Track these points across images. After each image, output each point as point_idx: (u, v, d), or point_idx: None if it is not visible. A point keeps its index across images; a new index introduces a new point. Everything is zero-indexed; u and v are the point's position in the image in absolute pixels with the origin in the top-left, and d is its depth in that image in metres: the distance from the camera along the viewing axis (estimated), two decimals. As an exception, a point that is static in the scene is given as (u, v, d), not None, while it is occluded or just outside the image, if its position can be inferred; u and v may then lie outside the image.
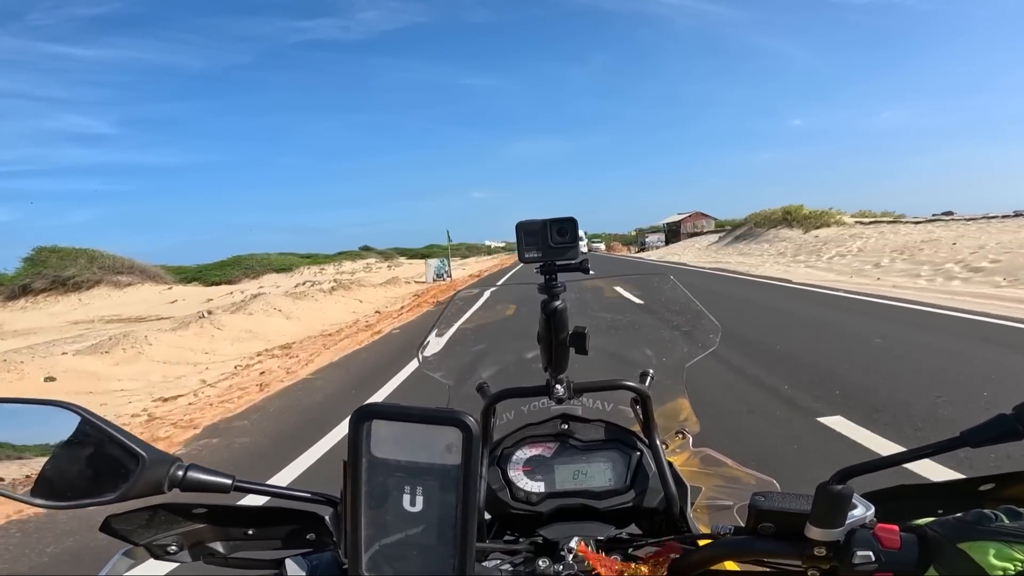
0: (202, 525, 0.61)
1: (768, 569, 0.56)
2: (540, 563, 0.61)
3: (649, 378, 0.91)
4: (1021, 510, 0.45)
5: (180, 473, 0.54)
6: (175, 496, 0.56)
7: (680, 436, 0.94)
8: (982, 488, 0.58)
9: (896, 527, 0.48)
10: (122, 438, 0.53)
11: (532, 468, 0.80)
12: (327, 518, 0.59)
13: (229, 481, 0.56)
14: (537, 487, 0.78)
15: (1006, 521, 0.44)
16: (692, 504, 0.80)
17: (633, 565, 0.58)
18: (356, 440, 0.39)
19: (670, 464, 0.81)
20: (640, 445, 0.81)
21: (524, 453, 0.81)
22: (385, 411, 0.39)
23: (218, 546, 0.62)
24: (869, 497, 0.54)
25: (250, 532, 0.63)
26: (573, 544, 0.62)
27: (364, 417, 0.39)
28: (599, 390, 0.85)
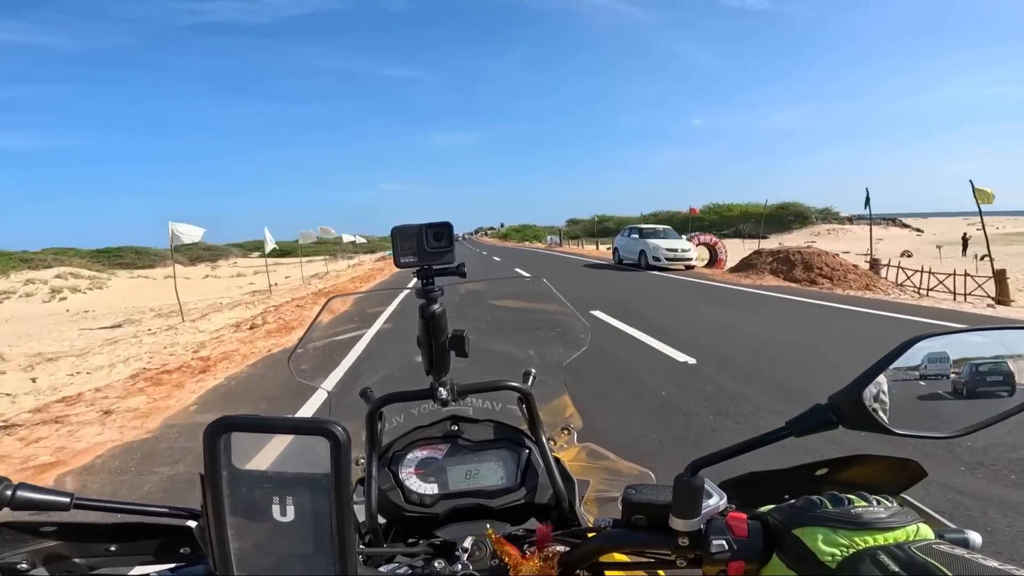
0: (54, 542, 0.60)
1: (647, 559, 0.58)
2: (436, 564, 0.62)
3: (531, 377, 0.95)
4: (842, 495, 0.48)
5: (8, 493, 0.53)
6: (9, 515, 0.55)
7: (566, 432, 0.98)
8: (818, 473, 0.63)
9: (744, 515, 0.51)
10: None
11: (424, 470, 0.81)
12: (194, 531, 0.59)
13: (67, 499, 0.55)
14: (430, 489, 0.80)
15: (829, 507, 0.47)
16: (582, 498, 0.84)
17: (524, 561, 0.61)
18: (212, 454, 0.38)
19: (557, 460, 0.84)
20: (528, 443, 0.84)
21: (415, 455, 0.82)
22: (244, 423, 0.39)
23: (75, 564, 0.61)
24: (726, 486, 0.58)
25: (112, 548, 0.62)
26: (468, 544, 0.63)
27: (220, 430, 0.38)
28: (483, 391, 0.87)
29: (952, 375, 0.53)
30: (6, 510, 0.53)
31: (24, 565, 0.58)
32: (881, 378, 0.50)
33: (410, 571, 0.63)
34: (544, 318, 1.19)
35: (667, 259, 16.13)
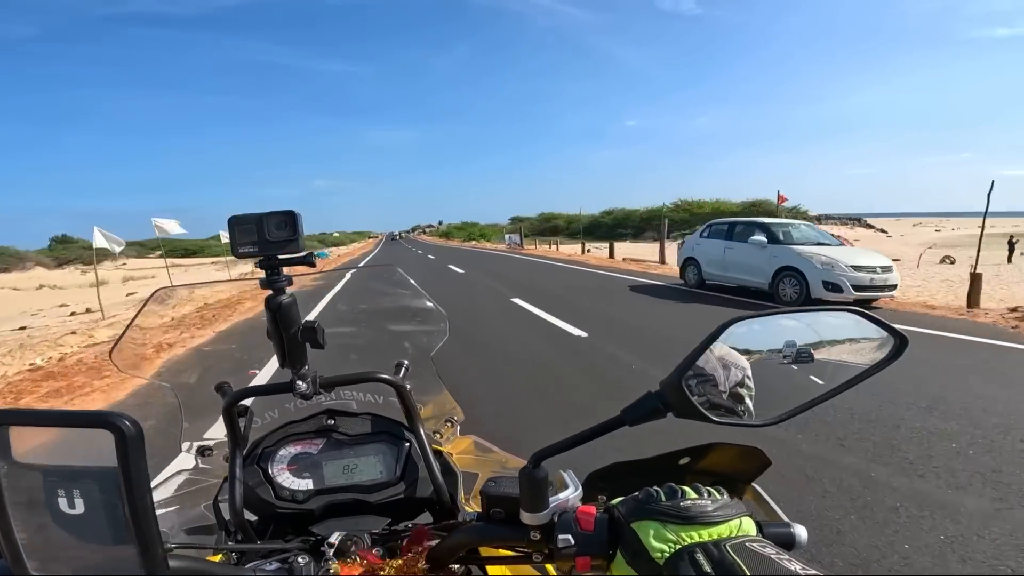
0: None
1: (512, 552, 0.58)
2: (299, 560, 0.61)
3: (404, 369, 0.95)
4: (677, 487, 0.48)
5: None
6: None
7: (449, 424, 0.98)
8: (681, 462, 0.64)
9: (593, 509, 0.51)
10: None
11: (298, 466, 0.82)
12: None
13: None
14: (304, 484, 0.80)
15: (663, 499, 0.47)
16: (470, 491, 0.86)
17: (391, 559, 0.61)
18: None
19: (439, 453, 0.87)
20: (409, 436, 0.86)
21: (288, 451, 0.83)
22: (21, 416, 0.40)
23: None
24: (595, 477, 0.59)
25: None
26: (334, 539, 0.64)
27: None
28: (349, 384, 0.87)
29: (765, 358, 0.55)
30: None
31: None
32: (705, 364, 0.52)
33: (273, 568, 0.61)
34: (407, 307, 1.19)
35: (862, 286, 7.92)
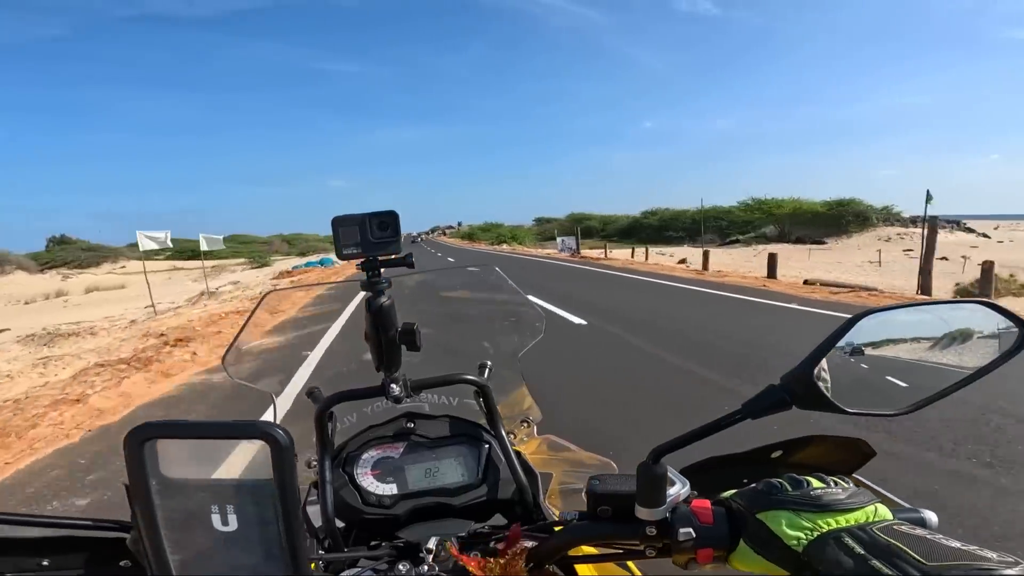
0: None
1: (616, 550, 0.60)
2: (401, 567, 0.62)
3: (487, 370, 0.97)
4: (800, 477, 0.50)
5: None
6: None
7: (525, 425, 1.00)
8: (774, 455, 0.66)
9: (708, 502, 0.53)
10: None
11: (382, 471, 0.83)
12: (128, 544, 0.57)
13: None
14: (389, 489, 0.81)
15: (790, 489, 0.49)
16: (546, 491, 0.88)
17: (492, 560, 0.62)
18: (136, 462, 0.38)
19: (518, 453, 0.88)
20: (488, 437, 0.88)
21: (371, 456, 0.84)
22: (169, 429, 0.39)
23: None
24: (687, 472, 0.61)
25: (45, 563, 0.60)
26: (432, 544, 0.65)
27: (142, 438, 0.38)
28: (437, 386, 0.89)
29: (897, 349, 0.57)
30: None
31: None
32: (829, 357, 0.54)
33: (373, 575, 0.63)
34: (497, 308, 1.21)
35: None
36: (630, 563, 0.82)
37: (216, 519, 0.37)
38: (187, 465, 0.38)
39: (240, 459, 0.42)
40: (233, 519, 0.37)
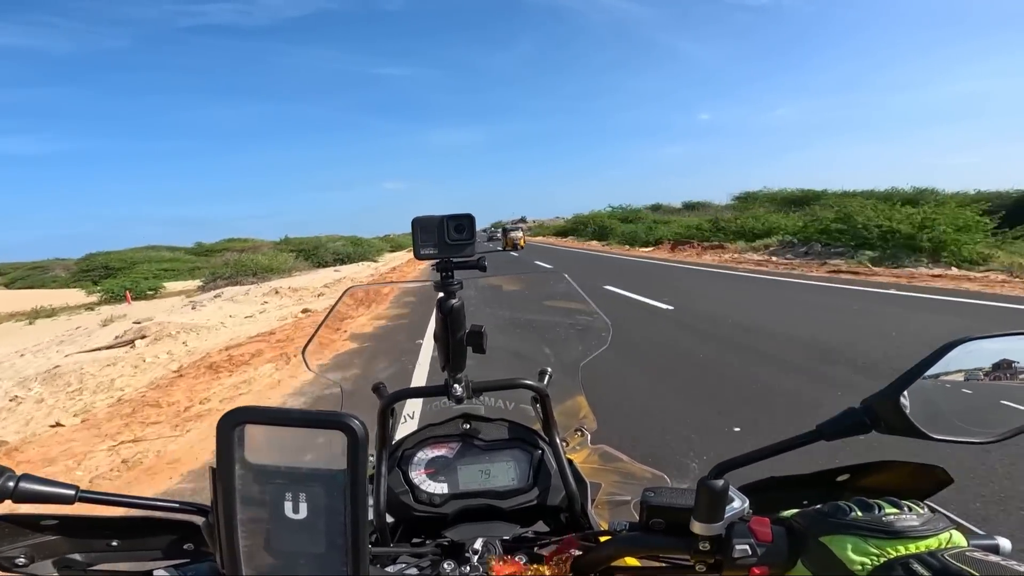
0: (54, 537, 0.61)
1: (662, 563, 0.60)
2: (445, 566, 0.63)
3: (547, 376, 0.98)
4: (871, 501, 0.49)
5: (11, 484, 0.54)
6: (11, 507, 0.57)
7: (579, 434, 1.02)
8: (839, 479, 0.65)
9: (768, 520, 0.53)
10: None
11: (435, 469, 0.85)
12: (202, 527, 0.60)
13: (72, 492, 0.56)
14: (440, 488, 0.83)
15: (859, 513, 0.48)
16: (593, 500, 0.88)
17: (536, 565, 0.63)
18: (226, 446, 0.39)
19: (570, 462, 0.89)
20: (542, 443, 0.88)
21: (426, 454, 0.86)
22: (259, 414, 0.39)
23: (75, 558, 0.62)
24: (745, 490, 0.61)
25: (114, 543, 0.63)
26: (478, 545, 0.66)
27: (234, 422, 0.39)
28: (498, 389, 0.90)
29: (990, 378, 0.55)
30: (7, 502, 0.54)
31: (22, 560, 0.60)
32: (918, 382, 0.53)
33: (417, 572, 0.64)
34: (563, 315, 1.21)
35: None
36: None
37: (288, 506, 0.38)
38: (266, 451, 0.39)
39: (313, 449, 0.42)
40: (304, 507, 0.38)
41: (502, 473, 0.83)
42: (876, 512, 0.48)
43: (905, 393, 0.52)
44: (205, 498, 0.45)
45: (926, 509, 0.49)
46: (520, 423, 0.91)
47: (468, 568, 0.62)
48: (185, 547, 0.64)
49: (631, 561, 0.62)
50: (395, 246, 51.17)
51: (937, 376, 0.54)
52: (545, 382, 0.95)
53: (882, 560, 0.44)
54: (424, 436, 0.88)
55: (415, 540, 0.79)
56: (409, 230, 0.73)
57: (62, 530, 0.61)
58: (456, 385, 0.80)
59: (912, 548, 0.44)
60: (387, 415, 0.85)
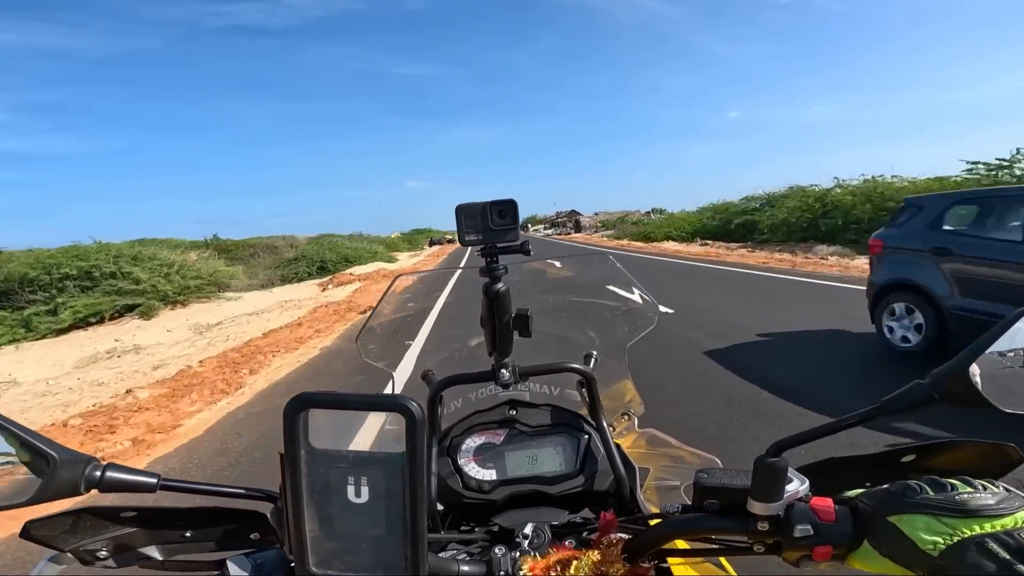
0: (132, 529, 0.63)
1: (716, 545, 0.60)
2: (496, 551, 0.63)
3: (593, 360, 0.97)
4: (944, 480, 0.48)
5: (97, 473, 0.55)
6: (97, 498, 0.58)
7: (626, 418, 1.00)
8: (904, 459, 0.63)
9: (830, 500, 0.52)
10: (30, 438, 0.53)
11: (483, 456, 0.85)
12: (269, 515, 0.62)
13: (154, 480, 0.58)
14: (489, 475, 0.83)
15: (931, 492, 0.47)
16: (642, 485, 0.87)
17: (586, 550, 0.62)
18: (293, 431, 0.39)
19: (618, 446, 0.88)
20: (588, 428, 0.88)
21: (474, 441, 0.87)
22: (322, 399, 0.40)
23: (152, 550, 0.64)
24: (803, 471, 0.60)
25: (187, 534, 0.65)
26: (528, 531, 0.66)
27: (300, 407, 0.39)
28: (545, 373, 0.90)
29: None
30: (94, 492, 0.56)
31: (103, 553, 0.62)
32: (987, 353, 0.50)
33: (468, 558, 0.64)
34: (608, 297, 1.19)
35: None
36: (724, 561, 0.80)
37: (351, 490, 0.38)
38: (328, 436, 0.39)
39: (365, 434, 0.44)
40: (365, 491, 0.38)
41: (549, 459, 0.83)
42: (949, 491, 0.46)
43: (974, 365, 0.50)
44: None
45: (1001, 488, 0.47)
46: (566, 408, 0.90)
47: (518, 553, 0.62)
48: (252, 535, 0.65)
49: (680, 544, 0.62)
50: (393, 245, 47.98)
51: (1008, 348, 0.51)
52: (591, 366, 0.94)
53: (955, 539, 0.43)
54: (472, 423, 0.88)
55: (464, 527, 0.80)
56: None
57: (140, 522, 0.63)
58: (503, 370, 0.81)
59: (988, 527, 0.43)
60: (436, 402, 0.86)
